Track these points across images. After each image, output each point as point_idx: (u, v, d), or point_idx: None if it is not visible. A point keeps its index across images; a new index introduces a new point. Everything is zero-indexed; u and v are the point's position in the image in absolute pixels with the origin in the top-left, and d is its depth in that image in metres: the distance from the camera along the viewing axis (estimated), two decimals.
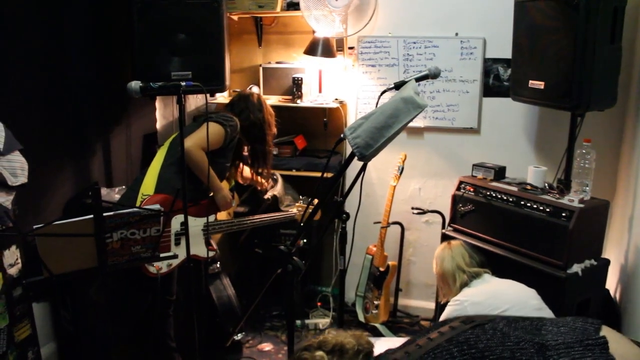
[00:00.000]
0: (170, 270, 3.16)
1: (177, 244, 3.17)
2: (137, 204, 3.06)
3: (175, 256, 2.71)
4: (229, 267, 4.35)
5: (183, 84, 2.63)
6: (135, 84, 2.62)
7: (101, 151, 3.77)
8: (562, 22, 3.15)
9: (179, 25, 3.47)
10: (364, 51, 4.25)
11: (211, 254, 3.40)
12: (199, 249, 3.26)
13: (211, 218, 3.35)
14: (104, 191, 3.54)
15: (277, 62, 4.44)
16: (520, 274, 3.08)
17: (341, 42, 4.23)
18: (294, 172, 4.25)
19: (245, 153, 3.68)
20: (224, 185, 3.51)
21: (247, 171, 3.84)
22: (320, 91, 4.35)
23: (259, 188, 3.98)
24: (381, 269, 4.12)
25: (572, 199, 3.10)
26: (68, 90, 3.46)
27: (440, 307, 3.69)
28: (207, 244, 3.39)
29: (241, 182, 3.88)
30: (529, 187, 3.36)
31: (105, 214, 2.28)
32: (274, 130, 3.69)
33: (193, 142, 3.07)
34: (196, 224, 3.25)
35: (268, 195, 4.04)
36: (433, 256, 3.23)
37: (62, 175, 3.46)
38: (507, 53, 3.73)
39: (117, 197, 3.45)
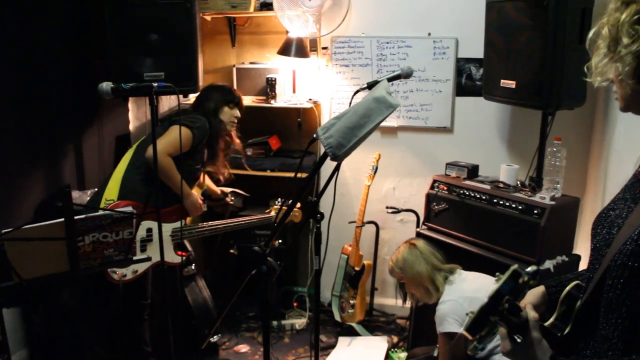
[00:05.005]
0: (135, 277, 3.10)
1: (143, 250, 3.12)
2: None
3: (148, 259, 2.69)
4: (204, 269, 4.34)
5: (155, 84, 2.61)
6: (106, 85, 2.59)
7: (73, 153, 3.72)
8: (533, 23, 3.19)
9: (151, 26, 3.44)
10: (338, 51, 4.26)
11: (179, 259, 3.35)
12: (167, 255, 3.20)
13: (180, 223, 3.31)
14: (75, 194, 3.49)
15: (251, 63, 4.43)
16: (493, 271, 3.09)
17: (315, 43, 4.23)
18: (268, 173, 4.24)
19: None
20: (195, 190, 3.49)
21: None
22: (294, 91, 4.36)
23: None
24: (357, 269, 4.13)
25: (544, 197, 3.14)
26: (39, 91, 3.41)
27: (416, 307, 3.70)
28: (180, 248, 3.36)
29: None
30: (501, 185, 3.39)
31: (76, 217, 2.25)
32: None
33: (159, 148, 2.99)
34: (164, 229, 3.20)
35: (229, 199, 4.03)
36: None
37: (33, 178, 3.41)
38: (479, 53, 3.76)
39: (89, 199, 3.41)
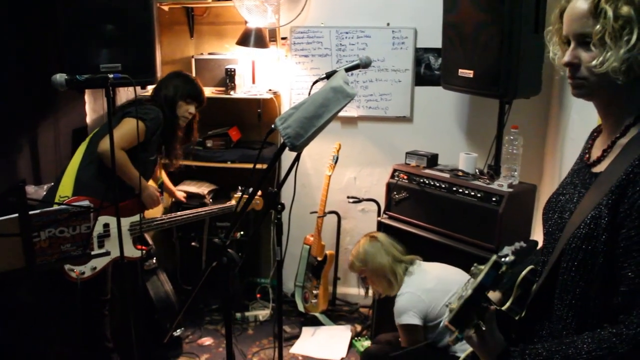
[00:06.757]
0: (94, 274, 3.04)
1: (101, 246, 3.05)
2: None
3: (107, 253, 2.64)
4: (166, 262, 4.30)
5: (111, 76, 2.56)
6: (60, 77, 2.52)
7: (28, 147, 3.62)
8: (489, 13, 3.23)
9: (107, 16, 3.36)
10: (297, 41, 4.24)
11: (139, 253, 3.28)
12: (126, 250, 3.12)
13: (138, 217, 3.24)
14: (31, 189, 3.41)
15: (210, 53, 4.39)
16: (453, 258, 3.15)
17: (274, 33, 4.21)
18: (228, 165, 4.22)
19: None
20: (152, 182, 3.43)
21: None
22: (253, 82, 4.33)
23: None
24: (319, 259, 4.14)
25: (502, 184, 3.19)
26: None
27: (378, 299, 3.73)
28: (141, 242, 3.30)
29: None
30: (460, 173, 3.43)
31: (31, 212, 2.20)
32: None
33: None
34: (122, 224, 3.12)
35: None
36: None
37: None
38: (437, 43, 3.80)
39: (44, 194, 3.33)
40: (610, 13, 1.27)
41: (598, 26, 1.29)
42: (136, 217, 3.21)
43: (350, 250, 3.17)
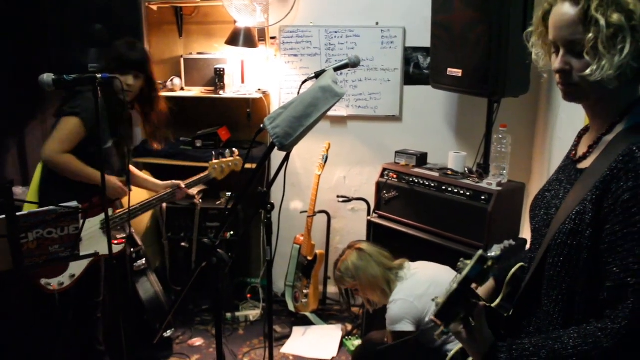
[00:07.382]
0: (73, 282, 2.92)
1: None
2: None
3: (95, 254, 2.62)
4: (156, 263, 4.28)
5: (99, 76, 2.54)
6: (47, 77, 2.50)
7: (15, 148, 3.61)
8: (478, 11, 3.24)
9: (95, 16, 3.36)
10: (286, 41, 4.24)
11: (120, 247, 3.09)
12: (104, 248, 2.79)
13: (110, 212, 3.01)
14: (19, 190, 3.40)
15: (199, 53, 4.37)
16: (443, 256, 3.15)
17: (263, 32, 4.20)
18: None
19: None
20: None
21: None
22: (243, 82, 4.32)
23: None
24: (309, 258, 4.14)
25: (491, 183, 3.20)
26: None
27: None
28: (131, 243, 3.26)
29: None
30: (449, 172, 3.44)
31: (19, 213, 2.19)
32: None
33: (51, 150, 2.82)
34: (92, 224, 2.96)
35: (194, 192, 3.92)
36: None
37: None
38: (426, 42, 3.80)
39: None
40: (602, 22, 1.25)
41: (590, 34, 1.27)
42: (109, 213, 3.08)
43: (341, 250, 3.14)
